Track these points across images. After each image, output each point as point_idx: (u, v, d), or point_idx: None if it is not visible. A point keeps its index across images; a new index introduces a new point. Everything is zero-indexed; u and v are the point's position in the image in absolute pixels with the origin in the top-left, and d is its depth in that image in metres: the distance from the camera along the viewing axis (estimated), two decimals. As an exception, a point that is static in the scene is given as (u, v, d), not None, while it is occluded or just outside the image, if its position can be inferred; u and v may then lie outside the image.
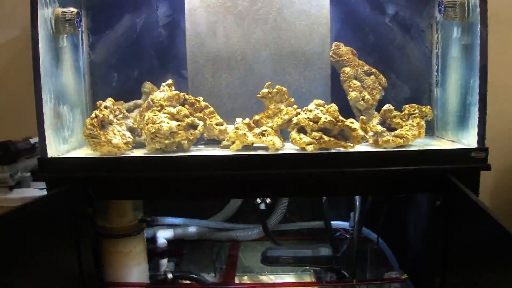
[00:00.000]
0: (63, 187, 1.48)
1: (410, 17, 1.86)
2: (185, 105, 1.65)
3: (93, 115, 1.58)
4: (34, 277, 1.28)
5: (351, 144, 1.57)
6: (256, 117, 1.67)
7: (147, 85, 1.84)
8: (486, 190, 2.17)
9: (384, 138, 1.60)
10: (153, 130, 1.55)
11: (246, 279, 2.09)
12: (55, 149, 1.59)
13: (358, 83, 1.80)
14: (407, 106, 1.66)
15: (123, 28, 1.89)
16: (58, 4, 1.64)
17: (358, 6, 1.87)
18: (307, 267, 2.02)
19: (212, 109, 1.69)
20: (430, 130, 1.87)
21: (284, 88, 1.66)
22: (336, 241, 1.96)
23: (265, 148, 1.61)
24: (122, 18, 1.88)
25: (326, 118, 1.56)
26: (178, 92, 1.65)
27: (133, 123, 1.73)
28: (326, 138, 1.55)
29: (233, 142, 1.62)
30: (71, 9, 1.63)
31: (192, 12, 1.76)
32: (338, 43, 1.83)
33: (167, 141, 1.57)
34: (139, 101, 1.85)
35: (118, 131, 1.63)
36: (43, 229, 1.34)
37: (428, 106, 1.67)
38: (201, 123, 1.63)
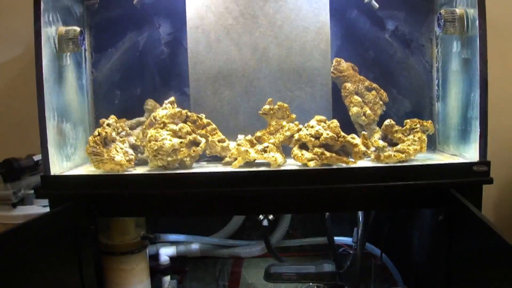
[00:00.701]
0: (66, 204, 1.48)
1: (410, 32, 1.88)
2: (187, 122, 1.66)
3: (96, 132, 1.59)
4: (36, 296, 1.28)
5: (353, 160, 1.57)
6: (258, 134, 1.68)
7: (150, 103, 1.85)
8: (489, 204, 2.17)
9: (386, 153, 1.60)
10: (156, 147, 1.56)
11: (249, 296, 2.09)
12: (58, 166, 1.60)
13: (359, 99, 1.80)
14: (408, 121, 1.67)
15: (125, 46, 1.91)
16: (62, 23, 1.66)
17: (358, 22, 1.89)
18: (311, 284, 2.00)
19: (214, 126, 1.70)
20: (432, 144, 1.87)
21: (285, 105, 1.67)
22: (339, 257, 1.95)
23: (267, 164, 1.61)
24: (124, 36, 1.91)
25: (328, 134, 1.56)
26: (181, 109, 1.66)
27: (135, 140, 1.74)
28: (327, 154, 1.55)
29: (235, 159, 1.62)
30: (74, 27, 1.65)
31: (194, 30, 1.78)
32: (338, 59, 1.84)
33: (169, 158, 1.58)
34: (142, 119, 1.86)
35: (121, 148, 1.63)
36: (45, 246, 1.35)
37: (430, 121, 1.67)
38: (203, 140, 1.64)
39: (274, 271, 1.85)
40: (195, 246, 2.05)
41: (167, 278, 1.96)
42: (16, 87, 2.20)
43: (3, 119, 2.22)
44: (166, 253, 2.00)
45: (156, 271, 1.97)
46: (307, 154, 1.56)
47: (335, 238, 1.98)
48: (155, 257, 2.00)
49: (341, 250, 2.02)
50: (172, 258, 2.01)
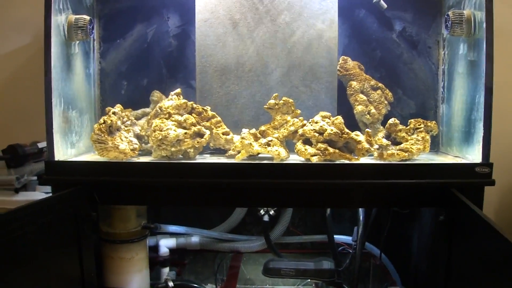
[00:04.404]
0: (68, 189, 1.49)
1: (417, 34, 1.89)
2: (193, 114, 1.67)
3: (101, 120, 1.60)
4: (34, 279, 1.28)
5: (356, 157, 1.58)
6: (263, 128, 1.68)
7: (156, 94, 1.86)
8: (490, 208, 2.16)
9: (389, 152, 1.61)
10: (160, 137, 1.57)
11: (246, 292, 2.09)
12: (63, 153, 1.61)
13: (364, 97, 1.81)
14: (412, 120, 1.67)
15: (134, 37, 1.92)
16: (72, 11, 1.67)
17: (366, 22, 1.90)
18: (309, 280, 2.01)
19: (219, 118, 1.71)
20: (435, 146, 1.88)
21: (290, 100, 1.68)
22: (338, 255, 1.95)
23: (271, 158, 1.62)
24: (133, 27, 1.92)
25: (332, 130, 1.57)
26: (186, 100, 1.67)
27: (140, 131, 1.75)
28: (331, 149, 1.56)
29: (239, 152, 1.63)
30: (84, 16, 1.67)
31: (202, 24, 1.79)
32: (345, 57, 1.85)
33: (173, 149, 1.59)
34: (147, 109, 1.87)
35: (125, 137, 1.64)
36: (46, 230, 1.35)
37: (434, 121, 1.68)
38: (207, 132, 1.64)
39: (273, 266, 1.85)
40: (195, 239, 2.05)
41: (166, 270, 1.97)
42: (23, 76, 2.21)
43: (10, 106, 2.23)
44: (166, 244, 2.01)
45: (155, 262, 1.97)
46: (311, 149, 1.57)
47: (335, 236, 1.98)
48: (155, 248, 2.00)
49: (341, 249, 2.02)
50: (171, 250, 2.02)
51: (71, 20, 1.65)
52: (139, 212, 1.79)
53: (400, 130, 1.66)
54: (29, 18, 2.15)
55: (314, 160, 1.55)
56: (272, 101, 1.68)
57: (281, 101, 1.68)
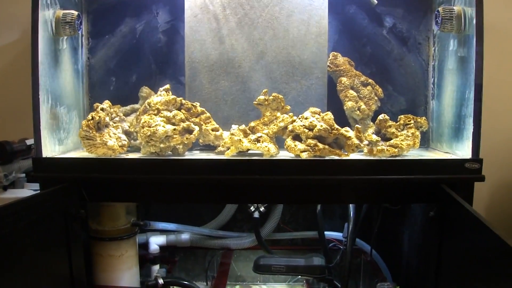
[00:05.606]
0: (56, 186, 1.47)
1: (408, 30, 1.88)
2: (182, 110, 1.65)
3: (90, 116, 1.59)
4: (23, 277, 1.27)
5: (346, 153, 1.57)
6: (252, 124, 1.68)
7: (145, 90, 1.85)
8: (481, 204, 2.17)
9: (378, 148, 1.60)
10: (149, 133, 1.56)
11: (237, 288, 2.09)
12: (50, 149, 1.60)
13: (355, 93, 1.80)
14: (402, 116, 1.67)
15: (122, 33, 1.90)
16: (59, 6, 1.65)
17: (356, 17, 1.89)
18: (300, 277, 2.00)
19: (208, 114, 1.70)
20: (425, 142, 1.88)
21: (280, 96, 1.67)
22: (329, 252, 1.95)
23: (260, 154, 1.61)
24: (122, 23, 1.90)
25: (321, 126, 1.56)
26: (175, 96, 1.66)
27: (129, 127, 1.73)
28: (320, 145, 1.55)
29: (228, 148, 1.62)
30: (72, 11, 1.65)
31: (191, 19, 1.78)
32: (335, 53, 1.84)
33: (162, 145, 1.57)
34: (136, 106, 1.86)
35: (114, 133, 1.63)
36: (34, 228, 1.33)
37: (424, 117, 1.68)
38: (196, 128, 1.63)
39: (263, 262, 1.85)
40: (185, 236, 2.04)
41: (156, 267, 1.96)
42: (11, 72, 2.19)
43: (-2, 103, 2.21)
44: (156, 242, 2.00)
45: (146, 260, 1.96)
46: (300, 145, 1.56)
47: (326, 233, 1.97)
48: (144, 245, 1.99)
49: (332, 245, 2.02)
50: (162, 247, 2.01)
51: (58, 15, 1.63)
52: (129, 209, 1.78)
53: (390, 126, 1.65)
54: (16, 14, 2.13)
55: (304, 156, 1.54)
56: (261, 97, 1.67)
57: (271, 97, 1.67)
